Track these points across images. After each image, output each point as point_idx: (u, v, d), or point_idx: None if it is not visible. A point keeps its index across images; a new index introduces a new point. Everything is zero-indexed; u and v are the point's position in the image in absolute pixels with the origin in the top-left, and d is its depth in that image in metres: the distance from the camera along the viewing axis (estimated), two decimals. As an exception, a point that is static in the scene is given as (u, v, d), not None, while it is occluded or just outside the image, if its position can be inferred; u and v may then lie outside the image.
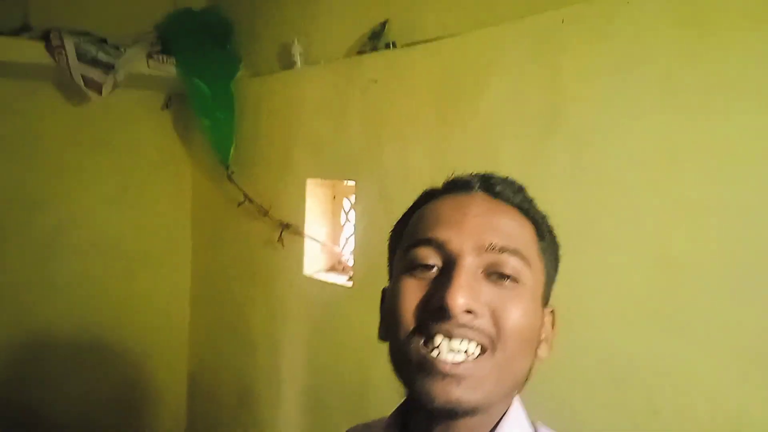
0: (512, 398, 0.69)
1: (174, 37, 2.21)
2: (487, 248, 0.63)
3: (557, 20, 1.11)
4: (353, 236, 1.70)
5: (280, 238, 1.93)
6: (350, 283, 1.69)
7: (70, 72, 1.99)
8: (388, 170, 1.52)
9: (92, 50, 2.03)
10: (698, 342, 0.94)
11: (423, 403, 0.62)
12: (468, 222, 0.65)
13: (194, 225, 2.54)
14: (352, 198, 1.79)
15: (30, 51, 1.96)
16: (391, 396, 0.71)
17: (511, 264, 0.63)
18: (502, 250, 0.63)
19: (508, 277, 0.63)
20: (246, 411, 2.16)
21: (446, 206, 0.68)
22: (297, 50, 1.90)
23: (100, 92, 2.05)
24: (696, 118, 0.94)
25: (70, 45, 1.98)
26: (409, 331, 0.63)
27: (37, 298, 2.23)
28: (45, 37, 1.98)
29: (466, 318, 0.61)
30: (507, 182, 0.71)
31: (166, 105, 2.44)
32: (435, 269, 0.65)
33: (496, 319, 0.62)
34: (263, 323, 2.07)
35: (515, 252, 0.64)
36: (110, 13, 2.22)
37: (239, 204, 2.09)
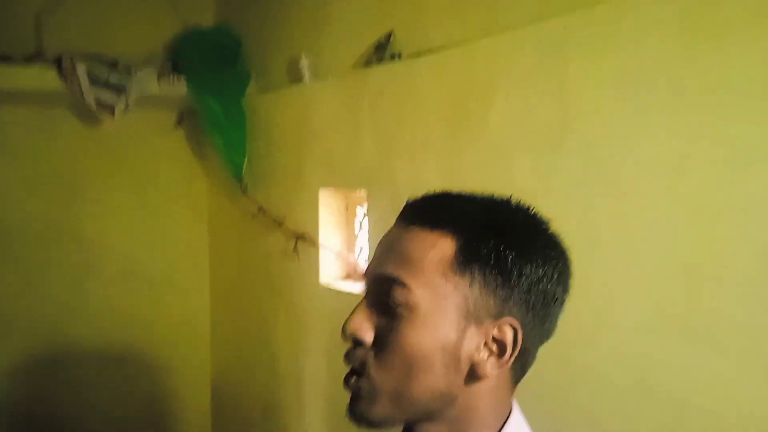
0: (507, 410, 0.72)
1: (184, 56, 2.25)
2: (379, 278, 0.70)
3: (561, 28, 1.12)
4: (367, 244, 1.72)
5: (295, 248, 1.96)
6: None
7: (83, 96, 2.03)
8: (399, 178, 1.55)
9: (103, 73, 2.08)
10: (724, 348, 0.94)
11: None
12: (376, 255, 0.72)
13: (211, 239, 2.58)
14: (365, 206, 1.82)
15: (43, 77, 2.00)
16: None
17: (395, 292, 0.67)
18: (388, 279, 0.68)
19: (395, 305, 0.67)
20: (270, 422, 2.18)
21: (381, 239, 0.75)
22: (305, 64, 1.93)
23: (113, 114, 2.09)
24: (706, 120, 0.94)
25: (81, 69, 2.03)
26: None
27: (71, 317, 2.30)
28: (57, 62, 2.02)
29: (354, 345, 0.70)
30: (431, 200, 0.72)
31: (179, 122, 2.48)
32: None
33: (381, 348, 0.68)
34: (283, 333, 2.09)
35: (397, 280, 0.67)
36: (121, 35, 2.26)
37: (254, 216, 2.12)
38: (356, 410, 0.70)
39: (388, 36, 1.64)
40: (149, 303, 2.44)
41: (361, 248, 1.91)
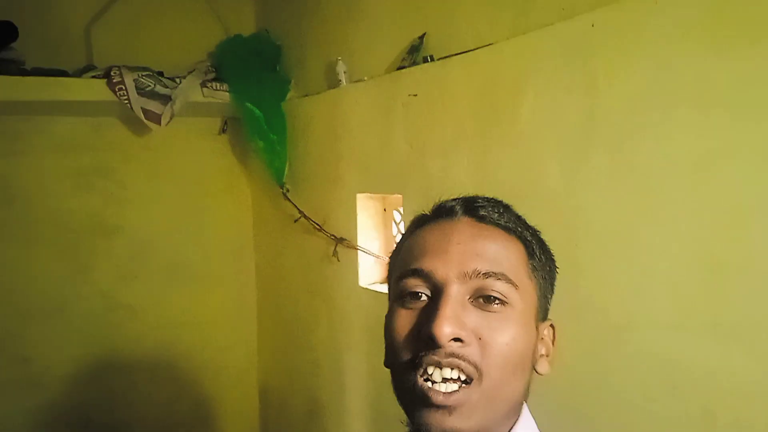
0: (518, 413, 0.70)
1: (226, 64, 2.30)
2: (472, 275, 0.64)
3: (588, 24, 1.10)
4: (404, 248, 1.72)
5: (334, 252, 1.98)
6: (404, 294, 1.71)
7: (131, 106, 2.10)
8: (432, 182, 1.54)
9: (150, 83, 2.14)
10: (753, 347, 0.91)
11: None
12: (452, 250, 0.66)
13: (256, 243, 2.63)
14: (402, 210, 1.82)
15: (94, 89, 2.08)
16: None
17: (496, 287, 0.64)
18: (487, 275, 0.64)
19: (496, 300, 0.64)
20: (315, 424, 2.21)
21: (432, 235, 0.70)
22: (341, 69, 1.95)
23: (159, 123, 2.16)
24: (734, 117, 0.91)
25: (129, 80, 2.10)
26: (404, 361, 0.65)
27: (117, 319, 2.36)
28: (107, 74, 2.10)
29: (454, 346, 0.62)
30: (491, 204, 0.72)
31: (223, 129, 2.54)
32: (424, 298, 0.66)
33: (483, 346, 0.63)
34: (325, 336, 2.12)
35: (501, 276, 0.64)
36: (166, 46, 2.34)
37: (295, 220, 2.15)
38: (445, 427, 0.61)
39: (421, 38, 1.64)
40: (196, 304, 2.50)
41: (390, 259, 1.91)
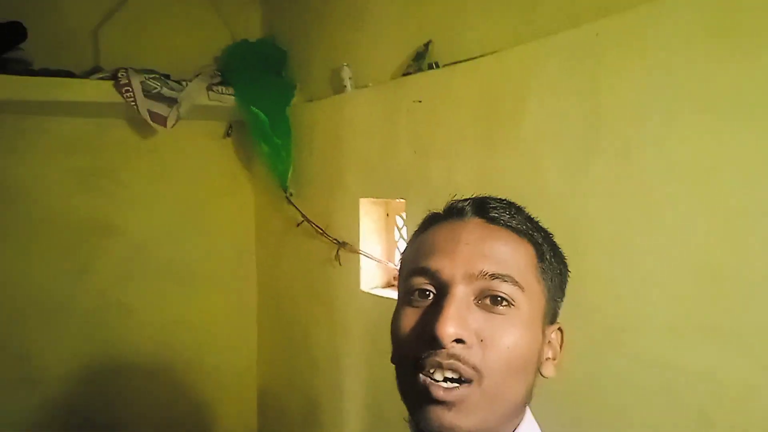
0: (521, 416, 0.70)
1: (232, 69, 2.32)
2: (478, 275, 0.64)
3: (592, 34, 1.11)
4: (406, 253, 1.73)
5: (336, 256, 1.99)
6: (405, 299, 1.72)
7: (137, 108, 2.12)
8: (436, 188, 1.55)
9: (157, 86, 2.16)
10: (751, 352, 0.92)
11: (422, 430, 0.64)
12: (459, 250, 0.66)
13: (258, 246, 2.64)
14: (404, 215, 1.83)
15: (101, 90, 2.10)
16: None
17: (503, 289, 0.64)
18: (494, 276, 0.64)
19: (501, 301, 0.64)
20: (313, 427, 2.21)
21: (441, 234, 0.70)
22: (347, 74, 1.96)
23: (165, 125, 2.18)
24: (736, 124, 0.92)
25: (136, 83, 2.12)
26: (408, 359, 0.65)
27: (116, 319, 2.36)
28: (114, 76, 2.12)
29: (456, 348, 0.62)
30: (503, 205, 0.72)
31: (228, 133, 2.56)
32: (431, 297, 0.66)
33: (484, 348, 0.62)
34: (325, 339, 2.12)
35: (507, 278, 0.64)
36: (173, 50, 2.35)
37: (298, 224, 2.16)
38: (444, 423, 0.61)
39: (427, 45, 1.65)
40: (196, 306, 2.51)
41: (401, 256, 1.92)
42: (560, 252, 0.74)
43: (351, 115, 1.94)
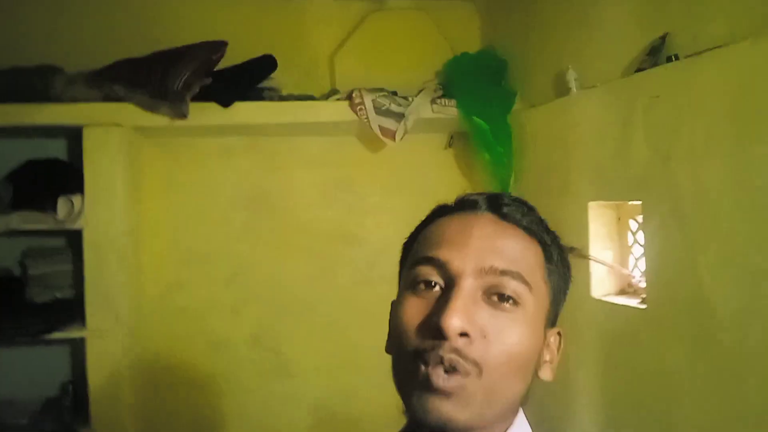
0: (514, 416, 0.69)
1: (453, 81, 2.41)
2: (488, 270, 0.64)
3: None
4: (644, 257, 1.65)
5: (564, 262, 1.95)
6: (644, 306, 1.64)
7: (370, 124, 2.29)
8: (679, 189, 1.46)
9: (386, 103, 2.32)
10: None
11: (418, 420, 0.64)
12: (471, 243, 0.66)
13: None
14: (639, 218, 1.74)
15: (338, 110, 2.32)
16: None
17: (511, 286, 0.64)
18: (503, 273, 0.64)
19: (508, 299, 0.64)
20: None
21: (452, 226, 0.70)
22: (572, 76, 1.93)
23: (394, 138, 2.33)
24: None
25: (368, 101, 2.30)
26: (409, 348, 0.65)
27: (354, 321, 2.52)
28: (348, 96, 2.33)
29: (459, 342, 0.62)
30: (516, 203, 0.71)
31: (449, 144, 2.65)
32: (437, 288, 0.66)
33: (487, 344, 0.62)
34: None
35: (516, 275, 0.64)
36: (398, 68, 2.51)
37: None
38: (442, 412, 0.61)
39: (663, 38, 1.57)
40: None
41: (636, 261, 1.83)
42: (566, 256, 0.74)
43: (578, 117, 1.90)
